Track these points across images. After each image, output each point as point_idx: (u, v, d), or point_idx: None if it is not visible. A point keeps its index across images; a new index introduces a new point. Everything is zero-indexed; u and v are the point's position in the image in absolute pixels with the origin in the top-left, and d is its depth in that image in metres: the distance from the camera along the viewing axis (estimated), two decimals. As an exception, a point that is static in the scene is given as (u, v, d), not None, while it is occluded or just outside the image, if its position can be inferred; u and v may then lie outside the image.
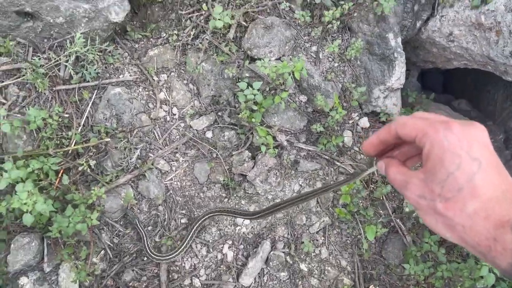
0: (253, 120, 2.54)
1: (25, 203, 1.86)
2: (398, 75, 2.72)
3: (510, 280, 2.23)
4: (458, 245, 2.67)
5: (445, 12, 2.61)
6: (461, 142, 0.65)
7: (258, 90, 2.43)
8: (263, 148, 2.60)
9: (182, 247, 2.51)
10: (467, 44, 2.59)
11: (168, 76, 2.85)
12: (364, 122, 2.95)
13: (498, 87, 3.98)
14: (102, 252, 2.58)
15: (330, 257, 2.82)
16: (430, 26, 2.70)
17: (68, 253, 2.42)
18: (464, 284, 2.20)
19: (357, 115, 2.96)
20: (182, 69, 2.86)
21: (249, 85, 2.50)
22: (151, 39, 2.93)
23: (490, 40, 2.43)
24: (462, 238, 0.67)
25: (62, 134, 2.58)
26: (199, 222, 2.50)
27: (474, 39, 2.53)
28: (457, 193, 0.64)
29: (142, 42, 2.92)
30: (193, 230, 2.50)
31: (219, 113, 2.82)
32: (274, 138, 2.69)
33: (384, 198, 2.85)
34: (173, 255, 2.50)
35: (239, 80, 2.61)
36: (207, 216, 2.49)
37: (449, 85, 4.75)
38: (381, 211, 2.82)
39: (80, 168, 2.49)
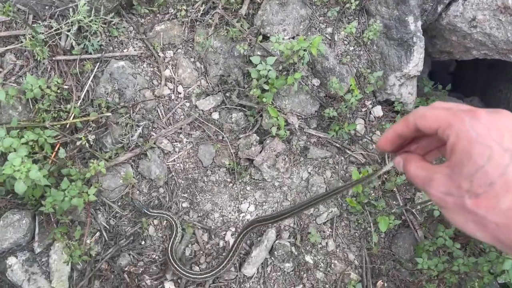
0: (264, 100, 2.41)
1: (18, 170, 1.71)
2: (416, 61, 2.60)
3: None
4: (472, 241, 2.54)
5: (468, -4, 2.50)
6: (491, 131, 0.58)
7: (272, 66, 2.29)
8: (274, 130, 2.46)
9: (224, 263, 2.31)
10: (491, 30, 2.48)
11: (174, 53, 2.71)
12: (378, 110, 2.83)
13: (511, 86, 3.88)
14: (97, 234, 2.42)
15: (337, 250, 2.67)
16: (451, 10, 2.59)
17: (61, 232, 2.27)
18: (483, 279, 2.07)
19: (371, 103, 2.84)
20: (190, 46, 2.72)
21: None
22: (158, 14, 2.79)
23: (517, 24, 2.31)
24: (496, 237, 0.61)
25: (60, 107, 2.43)
26: (240, 238, 2.28)
27: (498, 24, 2.42)
28: (488, 188, 0.58)
29: (149, 17, 2.77)
30: (234, 247, 2.29)
31: (227, 94, 2.68)
32: (285, 121, 2.56)
33: (396, 189, 2.72)
34: (211, 273, 2.31)
35: (250, 59, 2.47)
36: (246, 230, 2.25)
37: (458, 85, 4.64)
38: (394, 202, 2.69)
39: (78, 143, 2.34)
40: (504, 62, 2.86)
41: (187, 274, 2.32)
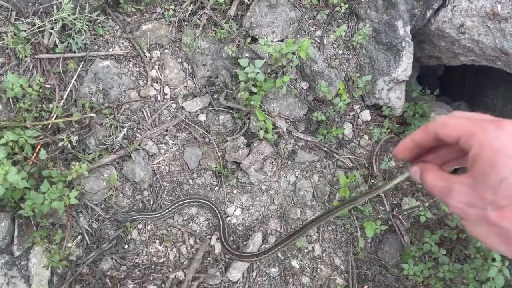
0: (252, 102, 2.37)
1: (-6, 172, 1.65)
2: (404, 66, 2.60)
3: None
4: (458, 247, 2.55)
5: (457, 2, 2.49)
6: None
7: (260, 68, 2.26)
8: (261, 133, 2.43)
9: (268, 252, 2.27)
10: (479, 37, 2.48)
11: (161, 53, 2.66)
12: (366, 115, 2.82)
13: (498, 93, 3.91)
14: (79, 237, 2.37)
15: (324, 255, 2.66)
16: (440, 16, 2.59)
17: (41, 235, 2.20)
18: (468, 286, 2.07)
19: (359, 107, 2.83)
20: (177, 47, 2.67)
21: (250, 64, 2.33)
22: (145, 13, 2.74)
23: (505, 31, 2.32)
24: None
25: (42, 107, 2.36)
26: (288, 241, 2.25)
27: (487, 30, 2.42)
28: None
29: (136, 16, 2.72)
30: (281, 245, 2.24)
31: (215, 96, 2.64)
32: (273, 124, 2.53)
33: (383, 195, 2.71)
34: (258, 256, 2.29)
35: (238, 61, 2.44)
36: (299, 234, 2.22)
37: (446, 90, 4.67)
38: (381, 208, 2.68)
39: (60, 144, 2.28)
40: (491, 68, 2.88)
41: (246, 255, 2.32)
